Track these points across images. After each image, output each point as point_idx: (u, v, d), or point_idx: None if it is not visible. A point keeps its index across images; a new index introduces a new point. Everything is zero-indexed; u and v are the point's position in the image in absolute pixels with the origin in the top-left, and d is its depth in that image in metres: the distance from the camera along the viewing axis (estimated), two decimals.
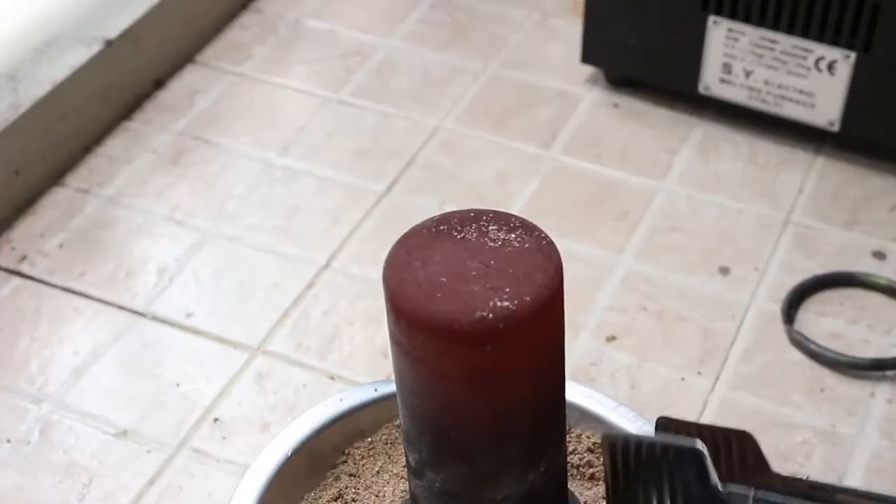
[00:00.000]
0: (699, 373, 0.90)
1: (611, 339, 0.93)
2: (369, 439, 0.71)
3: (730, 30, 1.06)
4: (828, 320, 0.94)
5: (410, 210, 1.04)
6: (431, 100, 1.17)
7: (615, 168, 1.09)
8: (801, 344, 0.92)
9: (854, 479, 0.83)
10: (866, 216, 1.03)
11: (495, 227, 0.54)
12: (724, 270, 0.99)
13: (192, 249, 1.02)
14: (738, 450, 0.51)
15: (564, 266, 0.52)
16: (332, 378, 0.91)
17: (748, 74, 1.07)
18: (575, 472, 0.68)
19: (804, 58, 1.04)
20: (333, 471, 0.70)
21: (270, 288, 0.98)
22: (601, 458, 0.69)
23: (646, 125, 1.14)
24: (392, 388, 0.61)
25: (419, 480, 0.59)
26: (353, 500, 0.68)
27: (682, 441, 0.48)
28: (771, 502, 0.48)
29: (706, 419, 0.87)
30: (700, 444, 0.48)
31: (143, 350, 0.93)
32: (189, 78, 1.20)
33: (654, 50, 1.11)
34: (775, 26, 1.03)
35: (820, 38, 1.02)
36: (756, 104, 1.09)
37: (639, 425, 0.69)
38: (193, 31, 1.24)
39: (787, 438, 0.86)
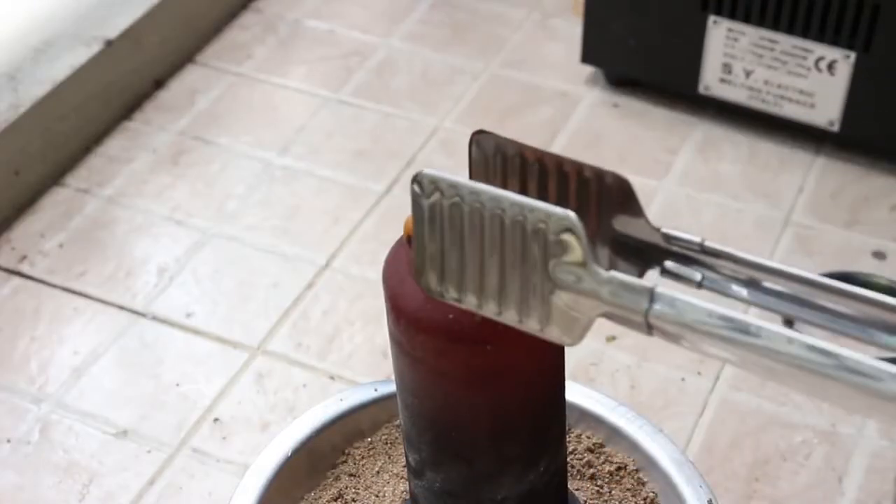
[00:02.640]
0: (699, 373, 0.90)
1: (611, 339, 0.93)
2: (369, 439, 0.71)
3: (730, 30, 1.06)
4: None
5: (410, 210, 1.03)
6: (431, 100, 1.17)
7: (615, 168, 1.08)
8: None
9: (854, 479, 0.83)
10: (866, 216, 1.03)
11: None
12: None
13: (192, 249, 1.02)
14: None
15: None
16: (332, 378, 0.91)
17: (748, 74, 1.07)
18: (575, 472, 0.68)
19: (804, 58, 1.04)
20: (333, 471, 0.70)
21: (270, 288, 0.98)
22: (601, 458, 0.69)
23: (646, 125, 1.14)
24: (392, 388, 0.61)
25: (419, 480, 0.59)
26: (353, 500, 0.68)
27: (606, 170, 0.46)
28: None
29: (706, 419, 0.87)
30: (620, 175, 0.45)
31: (143, 350, 0.93)
32: (189, 78, 1.20)
33: (653, 50, 1.11)
34: (775, 26, 1.03)
35: (820, 38, 1.02)
36: (756, 104, 1.09)
37: (638, 425, 0.69)
38: (193, 31, 1.24)
39: (787, 438, 0.86)
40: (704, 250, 0.46)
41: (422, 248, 0.48)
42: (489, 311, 0.46)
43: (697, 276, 0.47)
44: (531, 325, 0.45)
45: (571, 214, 0.43)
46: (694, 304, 0.41)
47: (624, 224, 0.48)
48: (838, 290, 0.43)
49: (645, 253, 0.48)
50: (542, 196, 0.49)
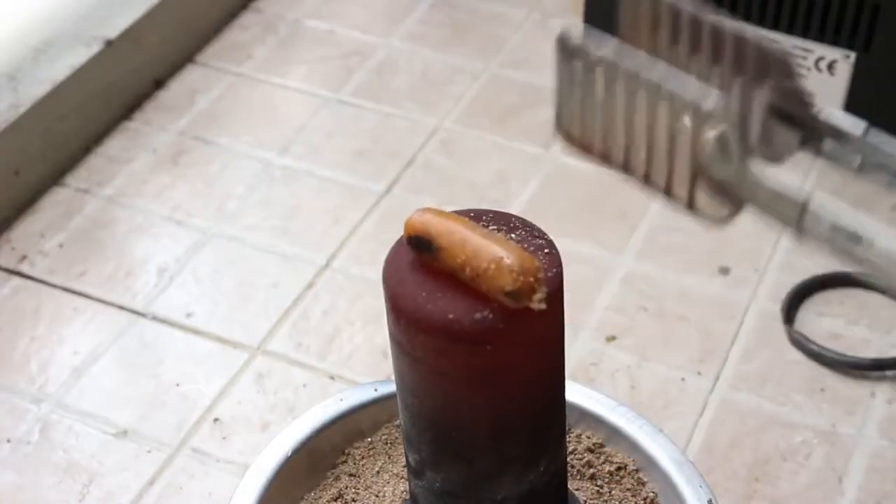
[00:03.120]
0: (699, 373, 0.90)
1: (611, 339, 0.93)
2: (369, 439, 0.71)
3: None
4: (828, 320, 0.94)
5: (410, 210, 1.03)
6: (431, 100, 1.17)
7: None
8: (801, 344, 0.92)
9: (854, 479, 0.83)
10: (866, 216, 1.03)
11: (495, 227, 0.54)
12: (724, 270, 0.98)
13: (192, 249, 1.02)
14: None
15: (564, 266, 0.52)
16: (332, 378, 0.91)
17: None
18: (575, 472, 0.68)
19: (804, 58, 1.04)
20: (333, 471, 0.70)
21: (270, 288, 0.98)
22: (601, 458, 0.69)
23: None
24: (392, 388, 0.61)
25: (419, 480, 0.59)
26: (353, 500, 0.68)
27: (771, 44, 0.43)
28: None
29: (706, 419, 0.87)
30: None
31: (143, 350, 0.93)
32: (189, 78, 1.20)
33: None
34: (775, 26, 1.03)
35: (820, 38, 1.02)
36: None
37: (638, 425, 0.69)
38: (193, 31, 1.24)
39: (787, 438, 0.86)
40: (859, 143, 0.43)
41: (566, 96, 0.45)
42: (636, 172, 0.45)
43: (857, 160, 0.44)
44: (678, 197, 0.44)
45: (723, 108, 0.41)
46: (844, 227, 0.40)
47: (782, 97, 0.45)
48: None
49: (803, 126, 0.45)
50: (695, 55, 0.45)
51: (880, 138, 0.43)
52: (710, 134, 0.41)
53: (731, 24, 0.44)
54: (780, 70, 0.43)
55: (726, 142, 0.41)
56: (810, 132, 0.43)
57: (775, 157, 0.44)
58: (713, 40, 0.44)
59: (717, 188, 0.42)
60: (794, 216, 0.41)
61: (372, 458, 0.70)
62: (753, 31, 0.43)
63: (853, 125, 0.43)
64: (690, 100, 0.41)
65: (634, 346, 0.93)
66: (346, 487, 0.68)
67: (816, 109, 0.43)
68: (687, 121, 0.42)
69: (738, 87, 0.43)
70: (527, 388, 0.54)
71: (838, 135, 0.43)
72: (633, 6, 0.47)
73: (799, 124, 0.43)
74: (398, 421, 0.61)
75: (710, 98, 0.41)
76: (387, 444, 0.71)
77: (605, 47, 0.44)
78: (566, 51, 0.45)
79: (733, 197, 0.42)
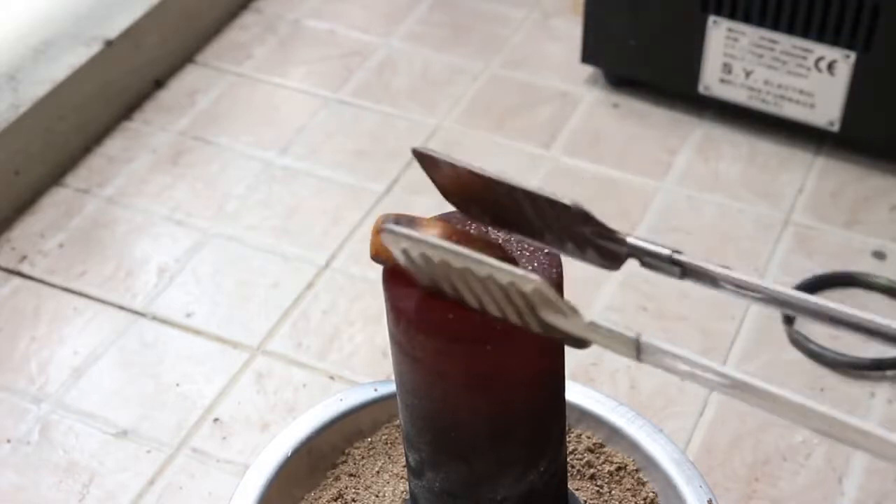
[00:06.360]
0: None
1: None
2: (369, 439, 0.71)
3: (730, 30, 1.06)
4: None
5: (410, 210, 1.03)
6: (431, 100, 1.17)
7: (615, 168, 1.09)
8: (801, 344, 0.92)
9: (854, 479, 0.83)
10: (866, 216, 1.03)
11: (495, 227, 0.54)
12: None
13: (192, 249, 1.02)
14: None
15: (564, 266, 0.52)
16: (332, 378, 0.91)
17: (748, 74, 1.07)
18: (575, 472, 0.68)
19: (804, 58, 1.04)
20: (333, 471, 0.70)
21: (270, 288, 0.98)
22: (601, 458, 0.69)
23: (646, 125, 1.14)
24: (392, 388, 0.61)
25: (419, 480, 0.59)
26: (353, 500, 0.68)
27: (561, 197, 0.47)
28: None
29: (706, 419, 0.87)
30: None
31: (142, 350, 0.93)
32: (189, 78, 1.20)
33: (654, 50, 1.11)
34: (775, 26, 1.03)
35: (820, 38, 1.02)
36: (756, 104, 1.09)
37: (639, 425, 0.69)
38: (193, 31, 1.24)
39: (787, 438, 0.86)
40: (673, 262, 0.47)
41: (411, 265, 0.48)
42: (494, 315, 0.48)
43: (677, 270, 0.47)
44: (537, 332, 0.47)
45: (538, 281, 0.44)
46: (680, 356, 0.43)
47: (593, 235, 0.48)
48: (814, 304, 0.45)
49: (621, 248, 0.48)
50: (499, 218, 0.50)
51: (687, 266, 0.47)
52: (528, 287, 0.44)
53: (515, 181, 0.49)
54: (577, 216, 0.47)
55: (547, 297, 0.44)
56: (630, 250, 0.48)
57: (611, 266, 0.49)
58: (510, 196, 0.49)
59: (562, 335, 0.46)
60: (633, 350, 0.44)
61: (372, 458, 0.70)
62: (538, 188, 0.48)
63: (661, 249, 0.47)
64: (508, 278, 0.45)
65: None
66: (346, 487, 0.68)
67: (625, 236, 0.47)
68: (514, 292, 0.45)
69: (555, 226, 0.48)
70: (527, 388, 0.54)
71: (650, 254, 0.47)
72: (439, 173, 0.51)
73: (618, 244, 0.48)
74: (398, 421, 0.61)
75: (525, 276, 0.44)
76: (387, 444, 0.71)
77: (420, 237, 0.47)
78: (389, 234, 0.48)
79: (576, 339, 0.46)
